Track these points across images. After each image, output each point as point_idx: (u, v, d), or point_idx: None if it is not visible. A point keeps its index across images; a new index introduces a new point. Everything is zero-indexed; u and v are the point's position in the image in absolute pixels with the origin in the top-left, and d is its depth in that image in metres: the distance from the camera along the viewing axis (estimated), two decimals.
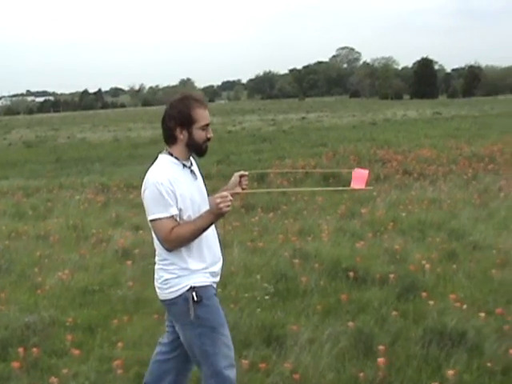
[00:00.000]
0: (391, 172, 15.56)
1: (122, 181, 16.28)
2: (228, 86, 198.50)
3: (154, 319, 6.31)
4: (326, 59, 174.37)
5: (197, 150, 4.03)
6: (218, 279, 4.16)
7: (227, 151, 22.62)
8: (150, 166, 3.99)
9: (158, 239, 3.94)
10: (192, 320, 3.93)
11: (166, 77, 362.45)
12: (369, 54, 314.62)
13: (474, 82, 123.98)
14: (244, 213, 11.48)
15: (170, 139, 4.01)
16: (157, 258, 4.09)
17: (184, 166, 4.02)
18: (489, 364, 5.04)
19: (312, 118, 47.53)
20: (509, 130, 27.21)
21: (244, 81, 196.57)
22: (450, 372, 4.81)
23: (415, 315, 6.13)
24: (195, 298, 3.91)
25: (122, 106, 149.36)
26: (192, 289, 3.92)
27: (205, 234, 3.94)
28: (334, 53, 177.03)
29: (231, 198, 3.84)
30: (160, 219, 3.84)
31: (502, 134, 25.15)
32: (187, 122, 3.93)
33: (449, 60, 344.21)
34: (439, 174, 14.82)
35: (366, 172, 4.01)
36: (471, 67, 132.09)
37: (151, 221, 3.89)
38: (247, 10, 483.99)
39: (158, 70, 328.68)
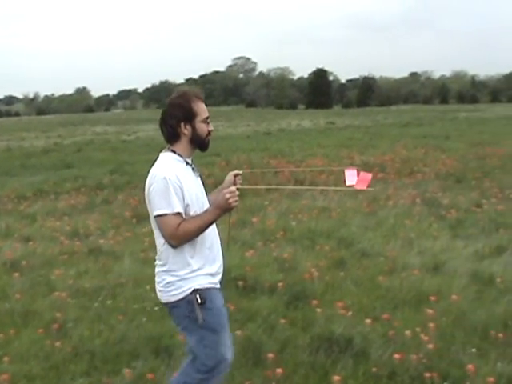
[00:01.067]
0: (283, 181, 15.67)
1: (14, 191, 15.82)
2: (124, 95, 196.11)
3: (42, 332, 6.14)
4: (222, 69, 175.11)
5: (200, 144, 4.07)
6: (219, 278, 4.13)
7: (121, 161, 22.33)
8: (150, 166, 3.97)
9: (164, 235, 3.88)
10: (193, 322, 3.94)
11: (61, 85, 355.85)
12: (265, 64, 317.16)
13: (368, 92, 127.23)
14: (135, 223, 11.34)
15: (172, 137, 4.01)
16: (158, 261, 4.04)
17: (187, 163, 4.03)
18: (374, 369, 5.14)
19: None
20: (400, 140, 27.96)
21: (140, 90, 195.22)
22: (336, 378, 4.88)
23: (303, 323, 6.19)
24: (199, 301, 3.91)
25: (17, 114, 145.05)
26: (195, 291, 3.92)
27: (207, 232, 3.94)
28: (230, 62, 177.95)
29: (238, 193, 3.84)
30: (166, 215, 3.81)
31: (393, 144, 25.81)
32: (190, 115, 3.96)
33: (344, 71, 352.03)
34: (330, 183, 15.03)
35: (369, 175, 4.03)
36: (365, 78, 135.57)
37: (157, 216, 3.85)
38: (144, 18, 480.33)
39: (54, 78, 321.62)
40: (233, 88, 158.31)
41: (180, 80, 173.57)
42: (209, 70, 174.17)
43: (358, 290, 7.18)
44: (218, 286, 4.10)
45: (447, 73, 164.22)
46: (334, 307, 6.44)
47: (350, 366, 5.26)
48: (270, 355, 5.30)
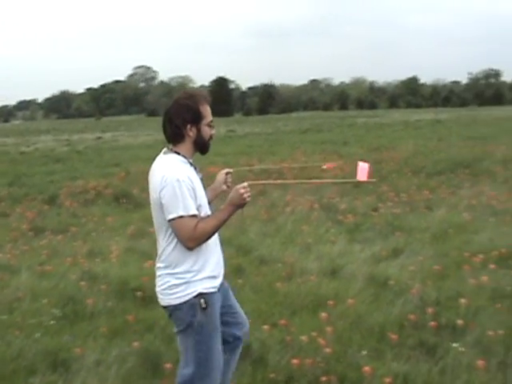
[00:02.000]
0: None
1: None
2: (24, 105, 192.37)
3: None
4: (123, 78, 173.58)
5: (202, 147, 4.08)
6: (221, 280, 4.15)
7: (19, 173, 21.74)
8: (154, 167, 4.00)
9: (181, 238, 3.85)
10: (193, 327, 3.93)
11: None
12: (166, 72, 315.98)
13: (268, 100, 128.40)
14: (33, 236, 11.07)
15: (176, 137, 4.01)
16: (160, 264, 4.01)
17: (191, 164, 4.02)
18: (272, 375, 5.18)
19: (108, 137, 46.75)
20: (299, 146, 28.28)
21: (40, 100, 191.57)
22: None
23: None
24: (203, 305, 3.93)
25: None
26: (200, 295, 3.92)
27: None
28: (130, 71, 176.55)
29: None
30: (183, 217, 3.78)
31: (292, 150, 26.04)
32: (197, 118, 3.97)
33: (245, 79, 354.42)
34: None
35: (367, 165, 4.15)
36: (266, 86, 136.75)
37: (173, 219, 3.80)
38: (42, 27, 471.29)
39: None
40: (134, 97, 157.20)
41: (80, 90, 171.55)
42: (109, 80, 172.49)
43: (257, 296, 7.20)
44: (219, 287, 4.10)
45: (346, 79, 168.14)
46: None
47: (248, 372, 5.27)
48: (168, 365, 5.24)
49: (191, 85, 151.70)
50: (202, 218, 3.88)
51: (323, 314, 6.25)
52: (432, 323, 5.94)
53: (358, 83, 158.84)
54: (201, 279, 3.94)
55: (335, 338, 5.79)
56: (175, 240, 3.90)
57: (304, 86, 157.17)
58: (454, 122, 49.87)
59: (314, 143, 29.85)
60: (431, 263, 8.05)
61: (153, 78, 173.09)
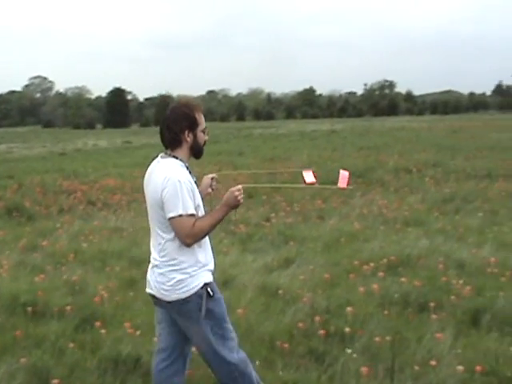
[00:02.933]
0: (75, 203, 15.31)
1: None
2: None
3: None
4: (18, 88, 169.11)
5: (197, 152, 4.39)
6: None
7: None
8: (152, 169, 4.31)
9: (179, 235, 4.14)
10: (204, 314, 4.22)
11: None
12: (63, 83, 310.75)
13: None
14: None
15: (174, 143, 4.30)
16: (162, 261, 4.26)
17: (187, 168, 4.29)
18: None
19: (2, 149, 45.38)
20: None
21: None
22: None
23: (93, 345, 6.06)
24: (211, 293, 4.26)
25: None
26: (206, 285, 4.24)
27: None
28: (26, 82, 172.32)
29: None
30: (182, 216, 4.08)
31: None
32: (193, 124, 4.29)
33: (143, 89, 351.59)
34: (123, 204, 14.94)
35: (347, 173, 4.66)
36: (163, 96, 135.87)
37: (173, 218, 4.09)
38: None
39: None
40: (30, 108, 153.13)
41: None
42: (4, 90, 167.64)
43: (148, 309, 7.12)
44: None
45: (244, 90, 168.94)
46: (123, 328, 6.34)
47: None
48: (56, 381, 5.14)
49: (88, 96, 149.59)
50: (199, 217, 4.20)
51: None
52: (321, 331, 6.01)
53: (255, 94, 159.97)
54: (203, 272, 4.28)
55: None
56: (176, 237, 4.19)
57: (201, 97, 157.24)
58: (349, 132, 50.90)
59: (210, 154, 29.80)
60: (322, 272, 8.17)
61: (49, 89, 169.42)
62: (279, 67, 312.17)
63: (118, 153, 35.57)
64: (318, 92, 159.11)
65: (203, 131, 4.38)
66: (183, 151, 4.31)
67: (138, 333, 6.16)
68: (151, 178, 4.29)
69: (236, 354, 4.43)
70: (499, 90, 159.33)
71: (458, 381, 5.13)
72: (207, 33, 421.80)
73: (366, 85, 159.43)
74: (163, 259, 4.25)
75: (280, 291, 7.41)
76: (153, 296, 4.41)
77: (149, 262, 4.36)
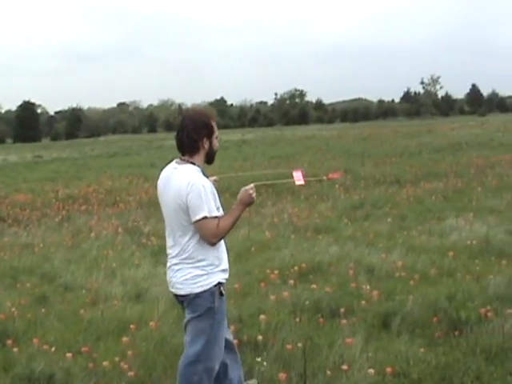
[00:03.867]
0: None
1: None
2: None
3: None
4: None
5: (211, 157, 4.71)
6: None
7: None
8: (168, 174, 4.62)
9: (205, 236, 4.45)
10: (211, 311, 4.53)
11: None
12: None
13: (76, 124, 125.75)
14: None
15: (193, 149, 4.58)
16: (180, 259, 4.55)
17: (203, 173, 4.57)
18: None
19: None
20: (106, 170, 28.02)
21: None
22: None
23: (5, 364, 5.97)
24: (223, 292, 4.60)
25: None
26: (219, 284, 4.56)
27: None
28: None
29: None
30: (207, 218, 4.38)
31: (99, 175, 25.77)
32: (210, 132, 4.61)
33: (53, 103, 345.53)
34: (33, 219, 14.70)
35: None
36: (74, 109, 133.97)
37: (199, 220, 4.39)
38: None
39: None
40: None
41: None
42: None
43: (61, 324, 7.07)
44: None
45: (155, 102, 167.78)
46: (35, 345, 6.24)
47: None
48: None
49: None
50: (221, 217, 4.50)
51: (125, 339, 6.21)
52: (235, 341, 6.05)
53: (166, 105, 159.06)
54: (218, 271, 4.59)
55: (140, 362, 5.79)
56: (197, 237, 4.49)
57: (112, 110, 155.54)
58: (260, 141, 51.20)
59: (122, 167, 29.66)
60: (233, 282, 8.19)
61: None
62: (190, 78, 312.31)
63: (28, 167, 34.88)
64: (229, 102, 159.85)
65: (216, 138, 4.71)
66: (200, 157, 4.62)
67: (52, 349, 6.09)
68: (170, 183, 4.56)
69: (214, 364, 4.65)
70: (407, 97, 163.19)
71: None
72: (118, 45, 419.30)
73: (276, 94, 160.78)
74: (183, 257, 4.55)
75: None
76: (174, 295, 4.74)
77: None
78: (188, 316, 4.62)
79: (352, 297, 7.31)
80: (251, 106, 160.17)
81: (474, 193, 15.33)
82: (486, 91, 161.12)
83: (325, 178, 5.52)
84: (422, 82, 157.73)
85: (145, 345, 6.19)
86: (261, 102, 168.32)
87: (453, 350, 5.83)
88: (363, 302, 7.02)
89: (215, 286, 4.54)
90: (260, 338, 6.07)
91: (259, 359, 5.68)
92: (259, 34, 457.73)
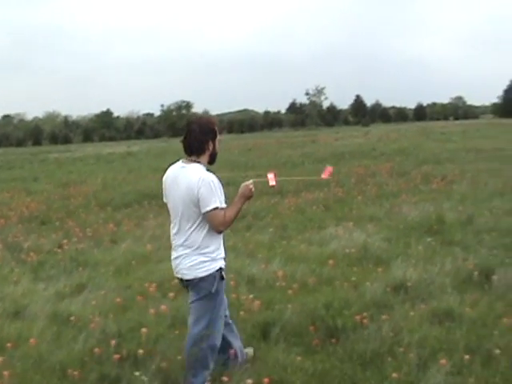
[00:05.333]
0: None
1: None
2: None
3: None
4: None
5: (213, 158, 5.39)
6: None
7: None
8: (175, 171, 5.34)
9: (214, 224, 5.14)
10: (213, 293, 5.22)
11: None
12: None
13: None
14: None
15: (199, 151, 5.27)
16: (186, 247, 5.24)
17: (208, 170, 5.24)
18: None
19: None
20: None
21: None
22: None
23: None
24: (224, 277, 5.32)
25: None
26: (220, 269, 5.28)
27: None
28: None
29: None
30: (217, 208, 5.08)
31: None
32: (214, 135, 5.33)
33: None
34: None
35: (331, 168, 5.89)
36: None
37: (210, 211, 5.07)
38: None
39: None
40: None
41: None
42: None
43: None
44: None
45: (40, 114, 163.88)
46: None
47: None
48: None
49: None
50: (226, 208, 5.16)
51: (0, 359, 6.01)
52: (115, 355, 5.97)
53: (51, 118, 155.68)
54: (220, 258, 5.32)
55: (17, 382, 5.64)
56: (205, 227, 5.17)
57: None
58: (145, 153, 50.80)
59: (4, 181, 28.73)
60: (114, 296, 8.11)
61: None
62: (77, 90, 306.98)
63: None
64: (115, 114, 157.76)
65: (218, 141, 5.41)
66: (205, 158, 5.30)
67: None
68: (179, 180, 5.23)
69: (216, 341, 5.40)
70: (293, 107, 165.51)
71: None
72: (3, 57, 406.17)
73: (163, 106, 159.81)
74: (189, 245, 5.22)
75: (72, 318, 7.31)
76: (180, 280, 5.42)
77: None
78: (192, 298, 5.32)
79: (232, 307, 7.29)
80: (138, 117, 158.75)
81: (355, 201, 15.72)
82: (369, 102, 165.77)
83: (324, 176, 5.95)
84: (307, 93, 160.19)
85: (21, 364, 6.01)
86: (147, 114, 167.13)
87: (329, 357, 5.97)
88: (242, 313, 7.09)
89: (217, 270, 5.23)
90: (140, 351, 6.02)
91: (138, 373, 5.62)
92: (146, 44, 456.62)
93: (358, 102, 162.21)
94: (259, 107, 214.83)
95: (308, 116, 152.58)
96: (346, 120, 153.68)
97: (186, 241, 5.23)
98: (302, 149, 40.38)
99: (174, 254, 5.37)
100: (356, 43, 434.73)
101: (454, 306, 7.06)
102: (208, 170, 5.24)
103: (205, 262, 5.19)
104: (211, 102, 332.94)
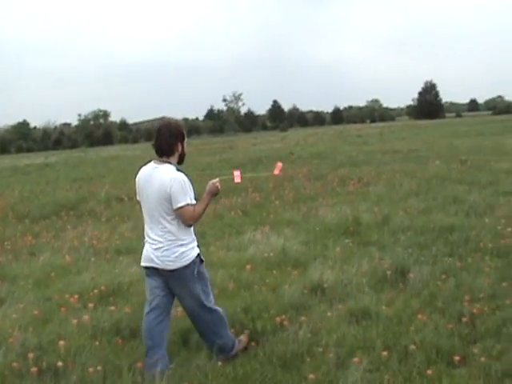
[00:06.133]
0: None
1: None
2: None
3: None
4: None
5: (182, 159, 5.97)
6: None
7: None
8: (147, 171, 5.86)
9: (185, 219, 5.68)
10: (196, 276, 5.84)
11: None
12: None
13: None
14: None
15: (170, 152, 5.81)
16: (165, 241, 5.74)
17: (178, 170, 5.77)
18: None
19: None
20: None
21: None
22: None
23: None
24: (203, 259, 5.98)
25: None
26: (198, 255, 5.89)
27: None
28: None
29: None
30: (188, 205, 5.63)
31: None
32: (182, 138, 5.88)
33: None
34: None
35: (281, 164, 6.53)
36: None
37: (181, 207, 5.62)
38: None
39: None
40: None
41: None
42: None
43: None
44: None
45: None
46: None
47: None
48: None
49: None
50: (195, 204, 5.70)
51: None
52: (34, 369, 5.88)
53: None
54: (195, 245, 5.90)
55: None
56: (178, 221, 5.70)
57: None
58: (63, 164, 49.95)
59: None
60: (33, 309, 7.98)
61: None
62: None
63: None
64: (32, 125, 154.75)
65: (186, 143, 5.94)
66: (174, 158, 5.85)
67: None
68: (152, 179, 5.72)
69: (215, 305, 6.11)
70: (211, 114, 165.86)
71: None
72: None
73: (80, 115, 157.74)
74: (168, 239, 5.72)
75: None
76: (151, 268, 5.84)
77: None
78: (178, 287, 5.86)
79: None
80: (55, 127, 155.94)
81: (272, 206, 15.83)
82: (287, 107, 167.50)
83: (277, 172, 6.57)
84: (225, 100, 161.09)
85: None
86: (65, 124, 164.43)
87: (250, 361, 6.03)
88: None
89: (196, 257, 5.82)
90: (60, 364, 5.95)
91: None
92: (61, 55, 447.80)
93: (276, 107, 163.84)
94: (177, 115, 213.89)
95: (226, 122, 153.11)
96: (264, 125, 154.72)
97: (164, 234, 5.74)
98: (221, 155, 40.44)
99: (151, 247, 5.83)
100: (273, 48, 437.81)
101: (371, 304, 7.22)
102: (178, 169, 5.74)
103: (185, 252, 5.74)
104: (129, 110, 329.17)
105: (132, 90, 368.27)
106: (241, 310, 7.16)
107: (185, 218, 5.65)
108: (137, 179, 5.96)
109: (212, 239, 11.96)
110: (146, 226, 5.92)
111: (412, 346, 5.93)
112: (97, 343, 6.58)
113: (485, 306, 6.93)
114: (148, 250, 5.85)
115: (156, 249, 5.75)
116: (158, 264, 5.76)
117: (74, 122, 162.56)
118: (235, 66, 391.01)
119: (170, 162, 5.77)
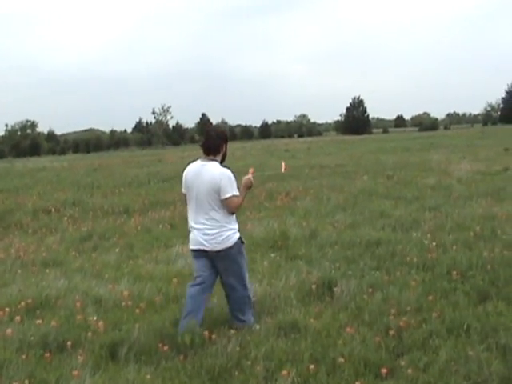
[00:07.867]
0: None
1: None
2: None
3: None
4: None
5: (224, 158, 7.07)
6: None
7: None
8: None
9: (232, 207, 6.78)
10: (239, 255, 6.95)
11: None
12: None
13: None
14: None
15: (216, 152, 6.92)
16: (213, 226, 6.79)
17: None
18: None
19: None
20: None
21: None
22: None
23: None
24: (244, 242, 7.07)
25: None
26: (240, 238, 6.95)
27: None
28: None
29: None
30: (234, 195, 6.72)
31: None
32: (226, 140, 7.05)
33: None
34: None
35: (284, 163, 8.45)
36: None
37: (228, 198, 6.70)
38: None
39: None
40: None
41: None
42: None
43: None
44: None
45: None
46: None
47: None
48: None
49: None
50: (238, 196, 6.79)
51: None
52: None
53: None
54: (237, 229, 6.99)
55: None
56: (223, 209, 6.77)
57: None
58: None
59: None
60: None
61: None
62: None
63: None
64: None
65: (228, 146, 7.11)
66: (219, 157, 6.95)
67: None
68: (202, 174, 6.79)
69: (249, 292, 7.16)
70: (139, 127, 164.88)
71: None
72: None
73: (7, 125, 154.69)
74: (215, 225, 6.78)
75: None
76: (200, 250, 6.86)
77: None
78: (224, 265, 6.91)
79: (79, 329, 7.23)
80: None
81: None
82: (215, 120, 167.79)
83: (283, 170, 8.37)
84: (154, 112, 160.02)
85: None
86: None
87: (179, 374, 5.98)
88: (90, 334, 6.98)
89: (239, 238, 6.91)
90: None
91: None
92: None
93: (204, 121, 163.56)
94: (105, 126, 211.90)
95: (154, 135, 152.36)
96: (193, 139, 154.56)
97: (211, 220, 6.78)
98: (149, 168, 40.19)
99: (199, 232, 6.83)
100: (203, 62, 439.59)
101: (299, 318, 7.25)
102: (224, 166, 6.86)
103: (230, 235, 6.81)
104: (56, 121, 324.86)
105: (60, 101, 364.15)
106: (169, 323, 7.12)
107: (230, 206, 6.75)
108: (184, 174, 7.06)
109: (141, 252, 11.90)
110: (191, 215, 6.96)
111: (340, 359, 5.97)
112: (23, 357, 6.44)
113: (411, 318, 7.02)
114: (196, 235, 6.86)
115: (204, 234, 6.79)
116: (207, 246, 6.79)
117: (1, 132, 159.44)
118: (165, 79, 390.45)
119: (215, 160, 6.88)
